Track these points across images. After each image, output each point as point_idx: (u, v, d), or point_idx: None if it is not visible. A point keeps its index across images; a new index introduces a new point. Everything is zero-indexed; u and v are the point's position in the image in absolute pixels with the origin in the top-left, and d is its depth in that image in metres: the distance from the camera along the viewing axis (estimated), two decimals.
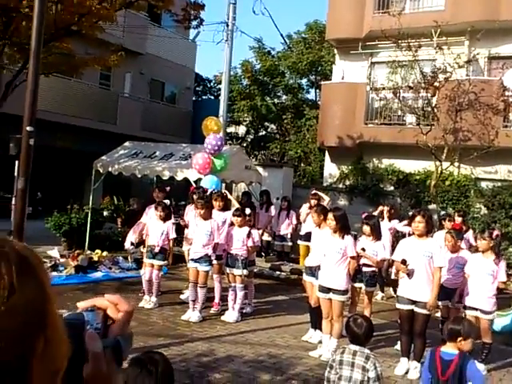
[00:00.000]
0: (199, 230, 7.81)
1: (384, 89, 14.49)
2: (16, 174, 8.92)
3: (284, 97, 22.67)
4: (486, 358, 6.35)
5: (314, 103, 21.79)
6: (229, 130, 20.35)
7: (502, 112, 12.50)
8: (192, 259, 7.86)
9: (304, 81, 22.90)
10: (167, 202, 9.14)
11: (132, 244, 9.57)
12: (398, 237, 9.57)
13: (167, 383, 2.47)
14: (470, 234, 9.33)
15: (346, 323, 4.16)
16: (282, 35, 22.77)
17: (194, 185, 10.69)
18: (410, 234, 8.08)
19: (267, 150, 21.47)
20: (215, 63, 46.73)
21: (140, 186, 16.78)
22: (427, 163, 13.69)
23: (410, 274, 6.04)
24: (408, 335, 6.16)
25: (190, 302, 7.76)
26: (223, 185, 11.52)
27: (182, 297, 8.67)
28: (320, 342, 6.68)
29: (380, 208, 9.93)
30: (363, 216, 8.00)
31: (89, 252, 11.03)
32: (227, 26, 16.50)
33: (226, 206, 8.63)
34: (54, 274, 9.16)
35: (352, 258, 6.57)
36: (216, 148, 10.43)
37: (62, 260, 10.08)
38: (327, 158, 16.34)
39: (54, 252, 10.46)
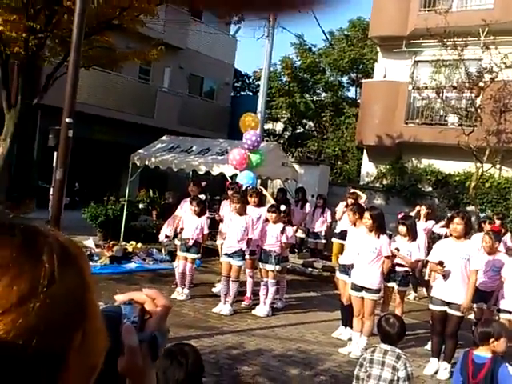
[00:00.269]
0: (234, 224, 7.87)
1: (427, 88, 14.22)
2: (54, 164, 9.14)
3: (323, 94, 22.48)
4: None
5: (354, 101, 21.57)
6: (266, 126, 20.38)
7: None
8: (225, 253, 7.93)
9: (345, 78, 22.70)
10: (202, 196, 9.23)
11: (166, 237, 9.69)
12: (433, 238, 9.41)
13: (197, 375, 2.51)
14: (508, 237, 9.13)
15: (378, 322, 4.15)
16: (324, 32, 22.62)
17: (230, 180, 10.79)
18: (446, 236, 7.96)
19: (304, 148, 21.37)
20: (255, 59, 46.86)
21: (176, 180, 16.97)
22: (467, 164, 13.42)
23: (445, 276, 5.99)
24: (439, 336, 6.13)
25: (222, 296, 7.83)
26: (259, 181, 11.57)
27: (214, 290, 8.76)
28: (350, 339, 6.69)
29: (417, 208, 9.79)
30: (399, 216, 7.94)
31: (124, 243, 11.21)
32: (268, 21, 16.46)
33: (260, 202, 8.67)
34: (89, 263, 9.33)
35: (386, 257, 6.54)
36: (254, 144, 10.47)
37: (97, 250, 10.28)
38: (365, 156, 16.19)
39: (90, 242, 10.67)
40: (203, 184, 10.04)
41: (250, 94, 25.80)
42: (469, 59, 12.76)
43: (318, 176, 14.63)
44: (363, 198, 10.50)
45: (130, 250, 10.70)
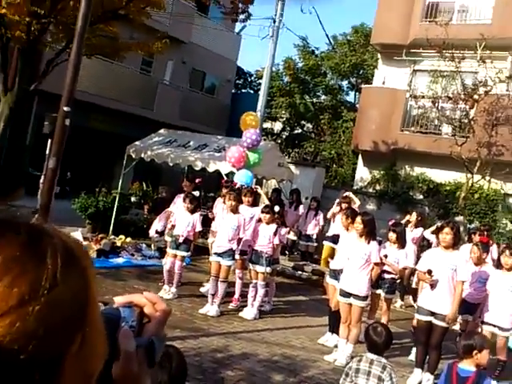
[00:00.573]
0: (226, 223, 7.78)
1: (423, 97, 14.41)
2: (48, 152, 8.85)
3: (323, 97, 22.61)
4: (499, 375, 6.36)
5: (353, 106, 21.71)
6: (265, 125, 20.44)
7: None
8: (215, 253, 7.80)
9: (345, 83, 22.89)
10: (196, 193, 9.12)
11: (157, 232, 9.51)
12: (422, 246, 9.54)
13: (180, 378, 2.48)
14: (493, 249, 9.27)
15: (365, 331, 4.18)
16: (327, 36, 22.75)
17: (226, 178, 10.82)
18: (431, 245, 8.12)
19: (301, 149, 21.48)
20: (258, 58, 46.81)
21: (170, 175, 16.81)
22: (458, 175, 13.59)
23: (433, 285, 6.04)
24: (424, 346, 6.15)
25: (210, 296, 7.70)
26: (254, 180, 11.63)
27: (202, 290, 8.60)
28: (336, 346, 6.67)
29: (407, 217, 9.87)
30: (390, 223, 8.02)
31: (112, 237, 10.99)
32: (274, 21, 16.51)
33: (254, 202, 8.60)
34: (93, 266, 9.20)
35: (376, 264, 6.55)
36: (254, 143, 10.45)
37: (84, 243, 10.13)
38: (360, 161, 16.34)
39: (77, 234, 10.30)
40: (198, 180, 9.96)
41: (251, 92, 25.85)
42: (465, 71, 12.97)
43: (313, 178, 14.74)
44: (357, 203, 10.52)
45: (119, 244, 10.47)
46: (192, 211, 8.24)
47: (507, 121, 12.04)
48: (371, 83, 17.39)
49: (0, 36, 11.33)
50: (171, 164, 12.14)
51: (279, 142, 20.90)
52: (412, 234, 9.38)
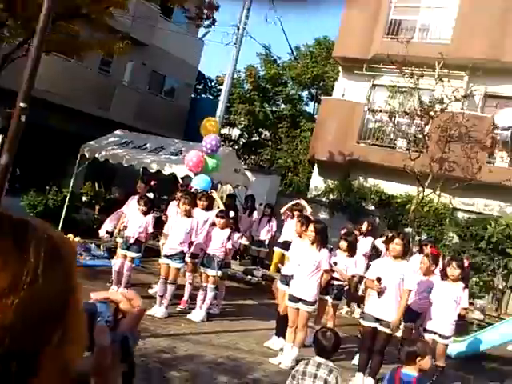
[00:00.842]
0: (178, 226, 7.75)
1: (381, 111, 14.74)
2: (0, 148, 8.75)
3: (283, 106, 22.86)
4: (435, 381, 6.51)
5: (311, 116, 22.01)
6: (223, 131, 20.46)
7: (489, 148, 12.86)
8: (165, 255, 7.78)
9: (305, 93, 23.22)
10: (151, 195, 9.09)
11: (107, 232, 9.45)
12: (371, 255, 9.70)
13: (126, 378, 2.47)
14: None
15: (314, 335, 4.22)
16: (290, 46, 22.99)
17: (181, 181, 10.77)
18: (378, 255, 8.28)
19: (258, 156, 21.60)
20: (219, 64, 46.86)
21: (124, 176, 16.42)
22: (410, 188, 13.93)
23: (380, 293, 6.16)
24: (367, 352, 6.28)
25: (158, 298, 7.67)
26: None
27: (151, 291, 8.56)
28: (281, 349, 6.73)
29: (356, 230, 9.97)
30: (342, 232, 8.15)
31: None
32: (238, 29, 16.58)
33: (209, 206, 8.63)
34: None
35: (325, 271, 6.65)
36: (213, 148, 10.45)
37: None
38: (315, 170, 16.51)
39: None
40: (153, 183, 9.93)
41: (211, 97, 25.85)
42: (423, 88, 13.31)
43: (268, 185, 14.83)
44: (308, 210, 10.63)
45: None
46: (145, 213, 8.19)
47: (460, 138, 12.42)
48: (331, 95, 17.66)
49: None
50: (126, 165, 11.98)
51: (236, 148, 20.95)
52: (362, 242, 9.54)
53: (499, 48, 13.52)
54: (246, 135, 22.92)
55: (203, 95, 26.37)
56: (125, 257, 8.14)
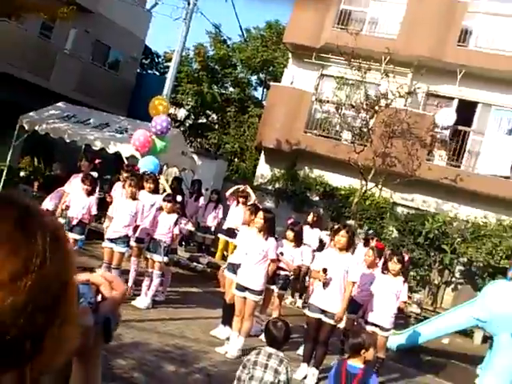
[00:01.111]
0: (123, 209, 7.55)
1: (328, 102, 14.88)
2: None
3: (231, 89, 22.63)
4: (376, 372, 6.78)
5: (259, 102, 21.96)
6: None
7: (429, 146, 13.35)
8: (109, 238, 7.57)
9: (254, 77, 23.04)
10: (95, 174, 8.78)
11: (47, 211, 9.14)
12: (318, 247, 9.88)
13: (65, 368, 2.40)
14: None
15: (265, 326, 4.29)
16: (241, 27, 22.74)
17: (126, 161, 10.48)
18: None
19: (204, 139, 21.35)
20: (167, 39, 45.74)
21: (64, 152, 15.73)
22: (353, 181, 14.23)
23: (325, 284, 6.28)
24: (312, 342, 6.43)
25: None
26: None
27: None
28: (228, 338, 6.77)
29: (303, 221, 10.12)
30: (289, 222, 8.22)
31: None
32: (188, 4, 16.19)
33: (156, 189, 8.48)
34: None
35: (272, 260, 6.71)
36: (163, 130, 10.21)
37: None
38: (262, 158, 16.50)
39: None
40: (97, 161, 9.59)
41: (157, 73, 25.21)
42: (369, 82, 13.50)
43: (215, 170, 14.73)
44: (253, 198, 10.68)
45: None
46: (89, 193, 7.96)
47: (402, 134, 12.78)
48: (280, 81, 17.62)
49: None
50: (68, 140, 11.50)
51: (182, 129, 20.62)
52: (309, 233, 9.69)
53: (442, 48, 13.88)
54: (193, 117, 22.58)
55: (149, 71, 25.65)
56: None
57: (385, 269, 7.12)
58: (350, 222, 13.28)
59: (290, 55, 17.20)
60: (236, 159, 20.01)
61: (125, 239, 7.52)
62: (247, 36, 22.99)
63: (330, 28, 15.25)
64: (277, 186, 15.73)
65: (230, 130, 20.88)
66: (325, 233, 9.93)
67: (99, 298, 0.90)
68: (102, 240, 8.19)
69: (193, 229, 12.07)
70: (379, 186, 13.42)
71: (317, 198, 15.14)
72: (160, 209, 7.94)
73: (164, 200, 7.93)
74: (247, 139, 19.79)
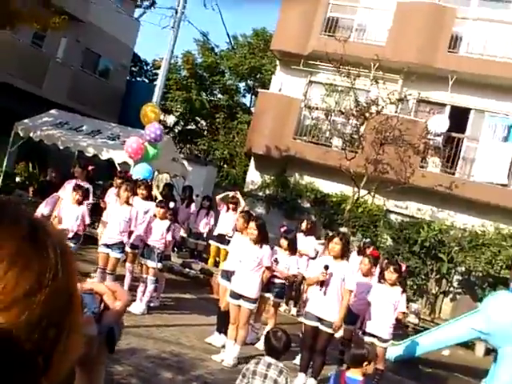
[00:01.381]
0: (117, 215, 7.55)
1: (317, 109, 14.87)
2: None
3: (220, 96, 22.66)
4: (377, 383, 6.71)
5: (248, 109, 21.98)
6: None
7: (422, 153, 13.32)
8: (104, 244, 7.58)
9: (242, 84, 23.10)
10: (89, 187, 8.72)
11: (43, 216, 9.04)
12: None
13: (68, 378, 2.36)
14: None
15: (265, 335, 4.24)
16: (228, 35, 22.78)
17: (119, 167, 10.42)
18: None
19: (193, 145, 21.30)
20: (156, 47, 45.74)
21: (57, 158, 15.88)
22: (345, 187, 14.16)
23: (324, 283, 6.15)
24: (309, 351, 6.34)
25: None
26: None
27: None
28: (223, 346, 6.70)
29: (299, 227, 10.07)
30: (282, 230, 8.15)
31: None
32: (176, 12, 16.21)
33: (149, 196, 8.46)
34: None
35: (267, 268, 6.65)
36: (157, 138, 10.19)
37: None
38: (252, 164, 16.42)
39: None
40: (90, 168, 9.54)
41: (146, 81, 25.16)
42: (358, 89, 13.47)
43: (205, 176, 14.64)
44: (242, 204, 10.62)
45: None
46: (80, 203, 7.86)
47: (394, 141, 12.72)
48: (268, 88, 17.60)
49: None
50: (61, 147, 11.56)
51: (172, 136, 20.56)
52: (304, 241, 9.61)
53: (432, 54, 13.88)
54: (182, 123, 22.54)
55: (139, 78, 25.62)
56: None
57: (381, 278, 7.05)
58: (343, 229, 13.22)
59: (277, 62, 17.19)
60: (226, 165, 19.98)
61: (120, 245, 7.54)
62: (234, 43, 23.07)
63: (317, 35, 15.24)
64: (267, 192, 15.65)
65: (219, 137, 20.86)
66: (317, 241, 9.88)
67: (102, 307, 0.89)
68: (96, 245, 8.25)
69: (185, 235, 12.03)
70: (372, 193, 13.36)
71: (308, 205, 15.07)
72: (154, 216, 7.92)
73: (157, 206, 7.94)
74: (237, 145, 19.78)
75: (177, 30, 16.18)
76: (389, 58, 13.80)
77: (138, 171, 9.68)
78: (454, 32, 14.19)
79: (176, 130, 22.42)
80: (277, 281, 7.42)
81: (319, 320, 6.25)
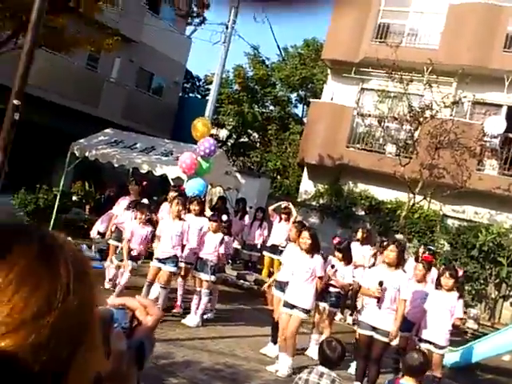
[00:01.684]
0: (169, 230, 7.62)
1: (370, 116, 14.73)
2: None
3: (271, 108, 22.82)
4: None
5: (300, 119, 22.02)
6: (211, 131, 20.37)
7: (478, 156, 12.93)
8: (157, 258, 7.63)
9: (293, 95, 23.18)
10: (145, 201, 8.97)
11: (99, 233, 9.36)
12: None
13: None
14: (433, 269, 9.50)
15: (319, 345, 4.22)
16: (278, 47, 22.95)
17: (172, 182, 10.66)
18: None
19: (246, 158, 21.52)
20: (207, 62, 46.69)
21: (112, 176, 16.46)
22: (400, 194, 13.95)
23: (380, 299, 6.09)
24: (364, 360, 6.27)
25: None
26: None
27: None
28: (277, 357, 6.69)
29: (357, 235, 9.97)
30: (335, 241, 8.08)
31: None
32: (226, 28, 16.50)
33: (202, 211, 8.50)
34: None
35: (319, 278, 6.63)
36: (208, 152, 10.30)
37: None
38: (305, 174, 16.44)
39: None
40: (144, 183, 9.82)
41: (199, 96, 25.70)
42: (412, 94, 13.32)
43: (258, 188, 14.76)
44: (294, 214, 10.60)
45: None
46: (145, 224, 8.09)
47: (449, 145, 12.45)
48: (320, 98, 17.62)
49: None
50: (116, 165, 11.85)
51: (225, 149, 20.88)
52: (361, 250, 9.50)
53: (486, 55, 13.60)
54: (235, 136, 22.83)
55: (191, 94, 26.21)
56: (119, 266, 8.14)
57: (438, 284, 6.89)
58: (399, 236, 12.98)
59: (328, 71, 17.18)
60: (279, 176, 20.05)
61: (174, 259, 7.57)
62: (285, 55, 23.20)
63: (368, 42, 15.21)
64: (321, 201, 15.61)
65: (271, 148, 20.98)
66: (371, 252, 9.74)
67: (135, 322, 0.90)
68: (151, 259, 8.24)
69: (239, 247, 12.14)
70: (428, 199, 13.09)
71: (362, 213, 14.93)
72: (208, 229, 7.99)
73: (210, 220, 8.00)
74: (289, 156, 19.82)
75: (228, 45, 16.45)
76: (442, 62, 13.55)
77: (192, 186, 9.82)
78: (509, 31, 13.76)
79: (229, 144, 22.73)
80: (332, 290, 7.37)
81: (374, 329, 6.17)
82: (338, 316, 9.72)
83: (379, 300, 6.13)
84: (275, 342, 7.02)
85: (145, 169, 11.39)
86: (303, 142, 16.38)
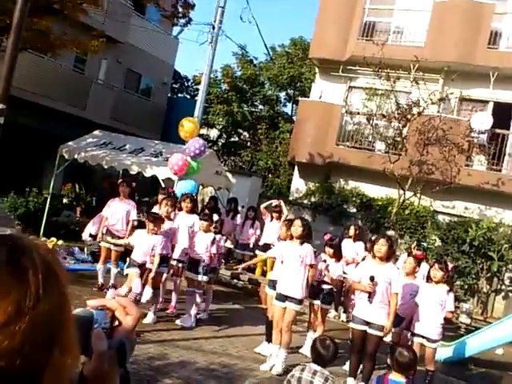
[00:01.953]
0: (143, 242, 7.40)
1: (358, 113, 14.80)
2: None
3: (261, 107, 22.88)
4: None
5: (290, 117, 22.08)
6: (201, 131, 20.34)
7: (466, 152, 13.05)
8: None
9: (282, 94, 23.28)
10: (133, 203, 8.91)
11: (91, 236, 9.32)
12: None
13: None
14: (423, 265, 9.57)
15: (312, 343, 4.22)
16: (266, 46, 22.98)
17: (163, 183, 10.64)
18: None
19: (237, 157, 21.54)
20: (195, 63, 46.68)
21: (101, 177, 16.40)
22: (390, 190, 14.05)
23: (371, 294, 6.12)
24: (358, 355, 6.27)
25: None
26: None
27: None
28: (271, 354, 6.66)
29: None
30: (326, 238, 8.12)
31: (44, 239, 10.58)
32: (213, 28, 16.50)
33: (194, 209, 8.53)
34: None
35: (310, 266, 6.55)
36: (198, 152, 10.29)
37: None
38: (296, 172, 16.49)
39: None
40: (134, 184, 9.76)
41: (188, 96, 25.67)
42: (399, 91, 13.40)
43: (249, 187, 14.77)
44: (285, 213, 10.61)
45: (50, 246, 10.23)
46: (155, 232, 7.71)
47: (437, 141, 12.55)
48: (308, 96, 17.67)
49: None
50: (106, 167, 11.78)
51: (215, 149, 20.87)
52: (353, 247, 9.56)
53: (472, 52, 13.69)
54: (225, 136, 22.84)
55: (180, 95, 26.16)
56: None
57: (428, 277, 6.95)
58: (391, 232, 13.08)
59: (316, 70, 17.23)
60: (270, 175, 20.09)
61: (164, 260, 7.48)
62: (273, 54, 23.23)
63: (354, 40, 15.27)
64: (312, 199, 15.65)
65: (262, 147, 21.01)
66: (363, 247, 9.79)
67: (115, 322, 0.91)
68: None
69: (231, 246, 12.14)
70: (418, 195, 13.19)
71: (354, 210, 15.00)
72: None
73: (201, 219, 7.96)
74: (280, 155, 19.87)
75: (215, 45, 16.46)
76: (428, 59, 13.63)
77: (183, 186, 9.82)
78: (493, 28, 13.92)
79: (219, 144, 22.72)
80: (325, 287, 7.38)
81: (367, 324, 6.19)
82: (332, 313, 9.78)
83: (370, 295, 6.15)
84: (269, 341, 6.99)
85: (135, 170, 11.34)
86: (293, 141, 16.39)
